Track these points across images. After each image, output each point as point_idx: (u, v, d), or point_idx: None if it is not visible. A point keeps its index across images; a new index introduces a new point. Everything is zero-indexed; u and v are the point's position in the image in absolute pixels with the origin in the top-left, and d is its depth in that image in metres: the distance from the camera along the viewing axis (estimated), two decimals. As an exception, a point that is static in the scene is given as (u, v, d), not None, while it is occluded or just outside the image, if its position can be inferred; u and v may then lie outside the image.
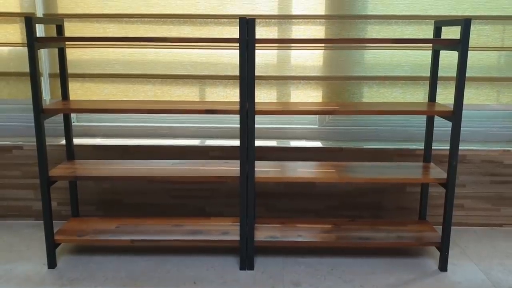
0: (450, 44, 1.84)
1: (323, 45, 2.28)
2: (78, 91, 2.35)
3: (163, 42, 1.83)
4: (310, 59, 2.31)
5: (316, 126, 2.43)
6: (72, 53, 2.30)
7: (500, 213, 2.36)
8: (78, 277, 1.90)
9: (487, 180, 2.32)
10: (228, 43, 1.84)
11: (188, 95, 2.35)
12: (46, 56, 2.33)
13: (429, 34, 2.25)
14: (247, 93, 1.81)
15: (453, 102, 1.84)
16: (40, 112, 1.83)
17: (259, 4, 2.25)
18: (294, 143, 2.35)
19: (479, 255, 2.11)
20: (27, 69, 2.29)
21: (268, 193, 2.34)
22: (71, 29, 2.28)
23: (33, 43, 1.76)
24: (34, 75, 1.79)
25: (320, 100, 2.35)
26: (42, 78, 2.33)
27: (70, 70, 2.28)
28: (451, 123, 1.86)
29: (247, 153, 1.87)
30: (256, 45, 1.77)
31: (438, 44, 1.96)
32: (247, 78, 1.80)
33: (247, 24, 1.76)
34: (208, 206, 2.37)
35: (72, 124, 2.25)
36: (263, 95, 2.34)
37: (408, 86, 2.32)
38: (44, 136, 1.87)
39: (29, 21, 1.73)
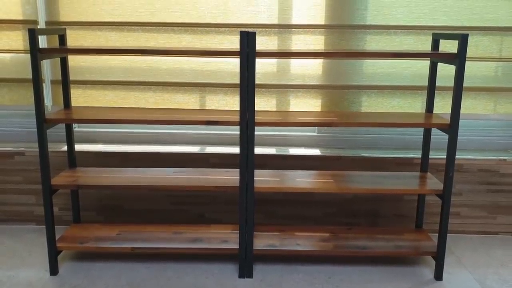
0: (448, 58, 1.86)
1: (322, 54, 2.30)
2: (80, 98, 2.38)
3: (164, 54, 1.85)
4: (310, 68, 2.33)
5: (315, 134, 2.45)
6: (73, 60, 2.32)
7: (496, 221, 2.39)
8: (79, 284, 1.93)
9: (483, 188, 2.35)
10: (229, 55, 1.86)
11: (188, 102, 2.37)
12: (48, 63, 2.35)
13: (428, 44, 2.27)
14: (247, 105, 1.84)
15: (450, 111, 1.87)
16: (43, 122, 1.85)
17: (260, 14, 2.27)
18: (293, 151, 2.38)
19: (475, 263, 2.14)
20: (29, 75, 2.31)
21: (267, 200, 2.37)
22: (73, 36, 2.30)
23: (36, 54, 1.78)
24: (37, 85, 1.81)
25: (319, 108, 2.38)
26: (44, 85, 2.35)
27: (72, 77, 2.30)
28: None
29: (247, 163, 1.89)
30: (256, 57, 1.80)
31: (435, 57, 1.98)
32: (247, 89, 1.82)
33: (247, 36, 1.78)
34: (208, 212, 2.40)
35: (74, 129, 2.27)
36: (263, 103, 2.37)
37: (406, 95, 2.35)
38: (47, 146, 1.89)
39: (33, 32, 1.75)
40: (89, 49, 1.87)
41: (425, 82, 2.28)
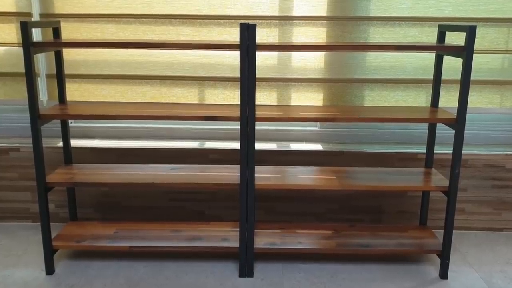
0: (455, 51, 1.80)
1: (324, 47, 2.24)
2: (76, 92, 2.32)
3: (162, 47, 1.79)
4: (311, 61, 2.27)
5: (317, 128, 2.40)
6: (69, 53, 2.26)
7: (501, 217, 2.35)
8: (76, 283, 1.88)
9: (488, 184, 2.30)
10: (229, 49, 1.80)
11: (187, 96, 2.32)
12: (43, 56, 2.29)
13: (433, 36, 2.21)
14: (247, 99, 1.78)
15: (456, 105, 1.81)
16: (36, 118, 1.79)
17: (260, 5, 2.20)
18: (294, 146, 2.32)
19: (480, 261, 2.10)
20: (23, 69, 2.25)
21: (267, 196, 2.32)
22: (68, 29, 2.24)
23: (28, 48, 1.72)
24: (30, 80, 1.75)
25: (321, 102, 2.32)
26: (39, 79, 2.30)
27: (67, 70, 2.24)
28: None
29: (247, 160, 1.84)
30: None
31: (442, 50, 1.92)
32: (247, 83, 1.77)
33: (247, 29, 1.72)
34: (207, 209, 2.35)
35: (69, 125, 2.21)
36: (263, 97, 2.31)
37: (410, 89, 2.29)
38: (41, 143, 1.83)
39: (25, 25, 1.69)
40: (84, 42, 1.81)
41: (429, 75, 2.22)
